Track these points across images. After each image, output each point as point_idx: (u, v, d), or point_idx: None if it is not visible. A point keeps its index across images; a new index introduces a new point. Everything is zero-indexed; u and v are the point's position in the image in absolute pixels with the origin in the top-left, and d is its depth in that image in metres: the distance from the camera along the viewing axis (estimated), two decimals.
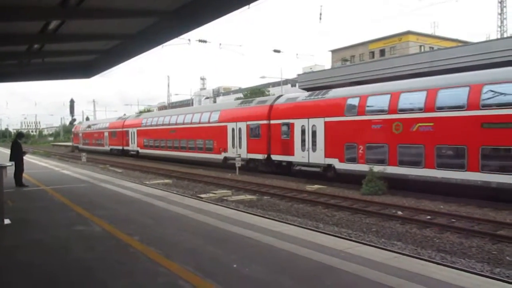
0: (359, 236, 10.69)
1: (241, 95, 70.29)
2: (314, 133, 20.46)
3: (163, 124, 35.13)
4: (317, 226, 11.54)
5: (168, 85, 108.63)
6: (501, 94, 13.87)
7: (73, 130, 60.14)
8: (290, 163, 22.23)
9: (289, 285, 4.86)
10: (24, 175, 14.84)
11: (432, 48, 50.30)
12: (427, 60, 24.46)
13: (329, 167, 19.79)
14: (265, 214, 12.92)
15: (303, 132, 21.08)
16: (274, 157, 23.16)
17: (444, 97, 15.38)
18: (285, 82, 63.33)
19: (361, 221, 12.58)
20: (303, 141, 21.10)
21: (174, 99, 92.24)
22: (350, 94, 19.09)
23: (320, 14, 44.47)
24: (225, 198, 16.37)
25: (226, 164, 26.31)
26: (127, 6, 10.23)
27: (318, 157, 20.22)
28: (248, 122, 24.84)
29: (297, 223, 11.24)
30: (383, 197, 15.89)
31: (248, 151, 24.91)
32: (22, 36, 12.40)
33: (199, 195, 16.41)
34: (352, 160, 18.47)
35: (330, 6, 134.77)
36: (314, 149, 20.50)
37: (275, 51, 39.19)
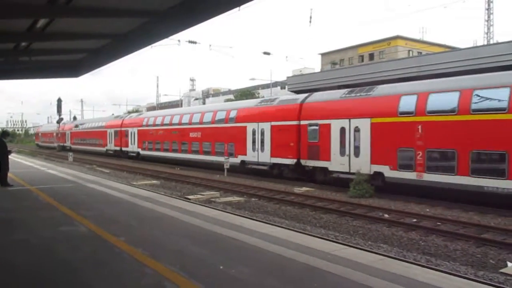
0: (346, 238, 10.75)
1: (231, 96, 70.28)
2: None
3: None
4: (304, 228, 11.59)
5: (157, 86, 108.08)
6: None
7: (58, 129, 61.68)
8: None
9: (275, 287, 4.87)
10: (9, 174, 14.64)
11: (421, 53, 50.87)
12: (415, 64, 24.71)
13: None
14: (252, 216, 12.92)
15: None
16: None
17: None
18: (275, 84, 63.48)
19: (348, 224, 12.65)
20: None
21: (163, 99, 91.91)
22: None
23: (310, 17, 44.79)
24: (213, 199, 16.35)
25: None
26: (117, 5, 10.19)
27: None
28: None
29: (285, 225, 11.26)
30: (370, 200, 16.01)
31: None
32: (9, 34, 12.25)
33: (186, 196, 16.36)
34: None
35: (320, 10, 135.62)
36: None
37: (265, 53, 39.35)
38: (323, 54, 68.53)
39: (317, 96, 21.58)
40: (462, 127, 14.58)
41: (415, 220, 12.86)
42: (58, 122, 53.63)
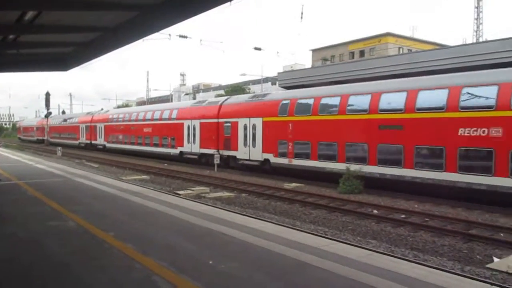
0: (335, 234, 10.81)
1: (221, 91, 70.09)
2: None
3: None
4: (294, 224, 11.62)
5: (148, 80, 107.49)
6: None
7: (35, 124, 67.94)
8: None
9: (264, 281, 4.90)
10: None
11: (411, 50, 51.16)
12: (405, 61, 24.88)
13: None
14: (242, 211, 12.93)
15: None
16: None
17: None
18: (266, 80, 63.42)
19: (338, 219, 12.73)
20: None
21: (153, 94, 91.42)
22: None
23: (302, 13, 44.57)
24: (203, 195, 16.32)
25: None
26: None
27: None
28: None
29: (274, 221, 11.28)
30: (360, 196, 16.11)
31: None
32: None
33: (176, 192, 16.30)
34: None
35: (311, 6, 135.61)
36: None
37: (256, 48, 39.27)
38: (314, 50, 68.61)
39: (232, 100, 26.94)
40: (313, 125, 19.56)
41: (403, 216, 12.97)
42: (46, 116, 53.07)
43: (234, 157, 24.30)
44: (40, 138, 63.80)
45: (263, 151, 22.15)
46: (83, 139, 47.26)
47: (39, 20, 11.27)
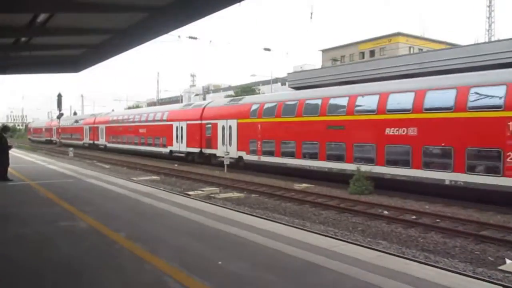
0: (345, 235, 10.78)
1: (231, 92, 70.19)
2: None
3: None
4: (304, 225, 11.61)
5: (158, 82, 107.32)
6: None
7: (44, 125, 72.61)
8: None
9: (274, 282, 4.89)
10: (9, 169, 14.66)
11: (421, 50, 50.77)
12: (416, 61, 24.69)
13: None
14: (252, 212, 12.95)
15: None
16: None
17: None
18: (275, 80, 63.39)
19: (348, 220, 12.68)
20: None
21: (163, 95, 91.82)
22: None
23: (311, 13, 44.58)
24: (213, 195, 16.38)
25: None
26: (118, 0, 10.16)
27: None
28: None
29: (284, 222, 11.30)
30: (370, 197, 16.04)
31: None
32: (10, 29, 12.22)
33: (186, 192, 16.38)
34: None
35: (321, 6, 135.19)
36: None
37: (265, 49, 39.32)
38: (324, 51, 68.36)
39: (213, 103, 30.29)
40: (277, 126, 22.45)
41: (414, 217, 12.89)
42: (58, 117, 53.56)
43: (214, 154, 27.43)
44: (48, 138, 67.52)
45: (238, 149, 25.04)
46: (86, 140, 50.35)
47: (51, 22, 11.41)
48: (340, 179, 18.40)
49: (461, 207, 14.12)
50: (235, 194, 16.83)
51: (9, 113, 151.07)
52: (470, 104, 14.55)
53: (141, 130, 36.82)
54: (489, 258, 9.20)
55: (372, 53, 60.46)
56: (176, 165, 29.24)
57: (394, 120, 16.63)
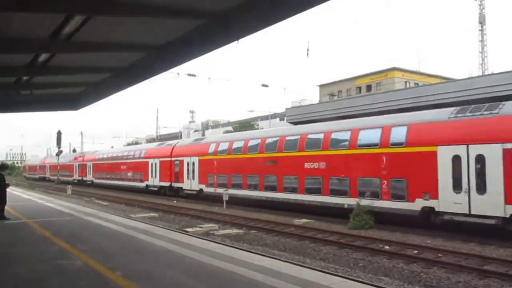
0: (346, 271, 10.58)
1: (230, 128, 70.63)
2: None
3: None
4: (303, 261, 11.41)
5: (157, 118, 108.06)
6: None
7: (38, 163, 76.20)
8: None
9: None
10: (6, 207, 14.54)
11: (417, 84, 51.53)
12: (411, 96, 25.03)
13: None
14: (251, 248, 12.74)
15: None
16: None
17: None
18: (274, 116, 63.95)
19: (348, 256, 12.48)
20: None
21: (163, 131, 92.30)
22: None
23: (308, 49, 45.64)
24: (211, 232, 16.17)
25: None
26: (118, 40, 10.42)
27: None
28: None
29: (284, 258, 11.10)
30: (370, 231, 15.84)
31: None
32: (11, 68, 12.47)
33: (185, 229, 16.18)
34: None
35: (317, 43, 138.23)
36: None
37: (263, 85, 39.97)
38: (321, 86, 69.30)
39: (181, 142, 34.47)
40: (228, 162, 25.71)
41: (416, 251, 12.69)
42: (57, 154, 53.66)
43: (181, 188, 30.39)
44: (42, 175, 69.84)
45: (199, 183, 28.31)
46: (76, 176, 53.56)
47: (52, 62, 11.64)
48: (277, 206, 21.92)
49: (463, 241, 13.94)
50: (234, 231, 16.62)
51: (8, 151, 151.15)
52: (359, 143, 17.93)
53: (122, 167, 40.47)
54: None
55: (369, 87, 61.28)
56: (175, 201, 29.22)
57: (310, 156, 20.12)
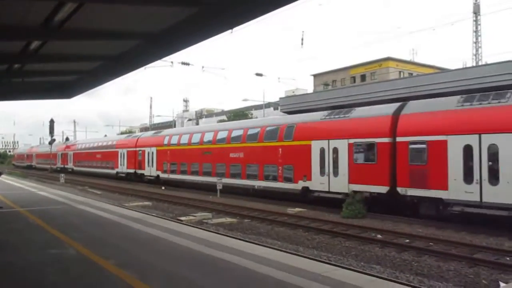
0: (338, 259, 10.68)
1: (224, 117, 70.44)
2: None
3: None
4: (297, 250, 11.50)
5: (151, 107, 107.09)
6: None
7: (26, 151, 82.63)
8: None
9: None
10: None
11: (411, 74, 51.58)
12: (405, 86, 25.02)
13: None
14: (245, 237, 12.82)
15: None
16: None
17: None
18: (268, 105, 63.79)
19: (341, 245, 12.59)
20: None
21: (156, 120, 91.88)
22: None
23: (302, 39, 45.13)
24: (205, 221, 16.22)
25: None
26: (111, 28, 10.29)
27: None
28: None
29: (277, 247, 11.19)
30: (363, 221, 15.97)
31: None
32: (2, 56, 12.30)
33: (178, 218, 16.22)
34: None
35: (312, 32, 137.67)
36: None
37: (257, 74, 39.65)
38: (315, 75, 69.19)
39: (145, 134, 39.70)
40: (178, 152, 30.54)
41: (407, 240, 12.83)
42: (50, 143, 53.42)
43: (143, 174, 35.03)
44: (29, 164, 75.13)
45: (157, 169, 33.10)
46: (59, 164, 57.90)
47: (44, 49, 11.50)
48: (214, 189, 24.92)
49: (454, 230, 14.10)
50: (227, 219, 16.69)
51: (0, 139, 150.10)
52: (264, 138, 22.84)
53: (97, 156, 45.46)
54: (483, 281, 9.13)
55: (363, 77, 61.31)
56: (163, 188, 30.46)
57: (234, 147, 24.89)
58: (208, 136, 27.80)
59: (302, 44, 37.37)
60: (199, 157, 27.84)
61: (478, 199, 13.82)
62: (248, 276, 6.14)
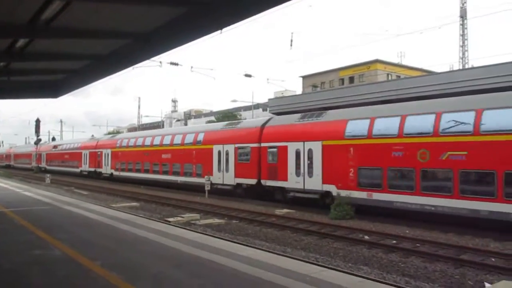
0: (326, 260, 10.71)
1: (212, 118, 70.27)
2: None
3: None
4: (284, 251, 11.50)
5: (139, 107, 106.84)
6: None
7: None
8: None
9: None
10: None
11: (399, 76, 52.01)
12: (393, 88, 25.22)
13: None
14: (233, 238, 12.78)
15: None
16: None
17: None
18: (257, 106, 63.82)
19: (329, 246, 12.62)
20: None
21: (145, 120, 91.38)
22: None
23: (291, 40, 45.26)
24: (193, 222, 16.14)
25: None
26: (99, 27, 10.20)
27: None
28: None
29: (265, 248, 11.18)
30: (351, 222, 16.04)
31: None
32: None
33: (166, 219, 16.11)
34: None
35: (301, 34, 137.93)
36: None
37: (246, 75, 39.50)
38: (304, 77, 69.41)
39: (103, 138, 45.88)
40: (128, 153, 35.49)
41: (394, 241, 12.91)
42: (36, 143, 52.81)
43: (101, 172, 39.45)
44: (7, 163, 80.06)
45: (111, 168, 37.84)
46: (34, 164, 61.85)
47: (30, 48, 11.35)
48: (153, 184, 31.02)
49: (441, 231, 14.23)
50: (215, 220, 16.63)
51: None
52: (185, 142, 28.11)
53: (65, 156, 50.39)
54: (469, 282, 9.23)
55: (351, 79, 61.66)
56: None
57: (164, 149, 30.16)
58: (147, 140, 33.23)
59: (291, 45, 37.71)
60: (141, 157, 33.28)
61: (302, 187, 19.58)
62: (237, 277, 6.12)
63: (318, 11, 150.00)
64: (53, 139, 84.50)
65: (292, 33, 57.77)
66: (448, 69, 46.92)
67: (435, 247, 12.13)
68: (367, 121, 17.29)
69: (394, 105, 18.17)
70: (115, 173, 37.26)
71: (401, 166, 15.89)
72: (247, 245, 10.21)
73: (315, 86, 61.69)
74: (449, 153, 14.40)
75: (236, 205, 20.68)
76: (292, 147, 20.09)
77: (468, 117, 14.29)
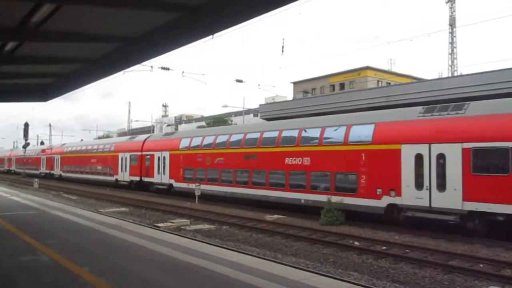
0: (316, 266, 10.70)
1: (203, 123, 70.15)
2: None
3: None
4: (275, 256, 11.47)
5: (129, 111, 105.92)
6: None
7: None
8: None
9: None
10: None
11: (389, 83, 52.45)
12: (383, 95, 25.47)
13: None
14: (223, 244, 12.72)
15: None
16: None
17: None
18: (248, 111, 63.84)
19: (319, 252, 12.62)
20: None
21: (135, 125, 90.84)
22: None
23: (283, 46, 45.17)
24: (183, 227, 16.05)
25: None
26: (90, 31, 10.13)
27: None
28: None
29: (255, 253, 11.14)
30: (341, 228, 16.06)
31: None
32: None
33: (156, 224, 16.00)
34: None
35: (292, 40, 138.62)
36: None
37: (238, 81, 39.49)
38: (295, 83, 69.61)
39: (66, 144, 51.62)
40: (75, 158, 44.06)
41: (384, 247, 12.95)
42: (24, 147, 52.22)
43: (53, 174, 47.69)
44: (8, 168, 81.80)
45: (60, 170, 46.30)
46: (5, 167, 70.94)
47: (19, 51, 11.24)
48: (109, 185, 35.42)
49: (430, 237, 14.30)
50: (205, 226, 16.55)
51: None
52: (111, 150, 36.25)
53: (29, 160, 57.65)
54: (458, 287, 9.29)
55: (342, 86, 61.97)
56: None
57: (93, 156, 38.85)
58: (99, 148, 39.54)
59: (282, 51, 37.33)
60: (78, 161, 41.78)
61: (160, 181, 29.26)
62: (226, 283, 6.08)
63: (308, 18, 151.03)
64: (42, 143, 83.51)
65: (283, 39, 57.89)
66: (437, 76, 47.40)
67: (424, 253, 12.19)
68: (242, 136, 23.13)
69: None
70: (64, 174, 46.51)
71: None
72: (237, 251, 10.16)
73: (306, 92, 61.92)
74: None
75: (227, 211, 20.60)
76: (156, 155, 29.69)
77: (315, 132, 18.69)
